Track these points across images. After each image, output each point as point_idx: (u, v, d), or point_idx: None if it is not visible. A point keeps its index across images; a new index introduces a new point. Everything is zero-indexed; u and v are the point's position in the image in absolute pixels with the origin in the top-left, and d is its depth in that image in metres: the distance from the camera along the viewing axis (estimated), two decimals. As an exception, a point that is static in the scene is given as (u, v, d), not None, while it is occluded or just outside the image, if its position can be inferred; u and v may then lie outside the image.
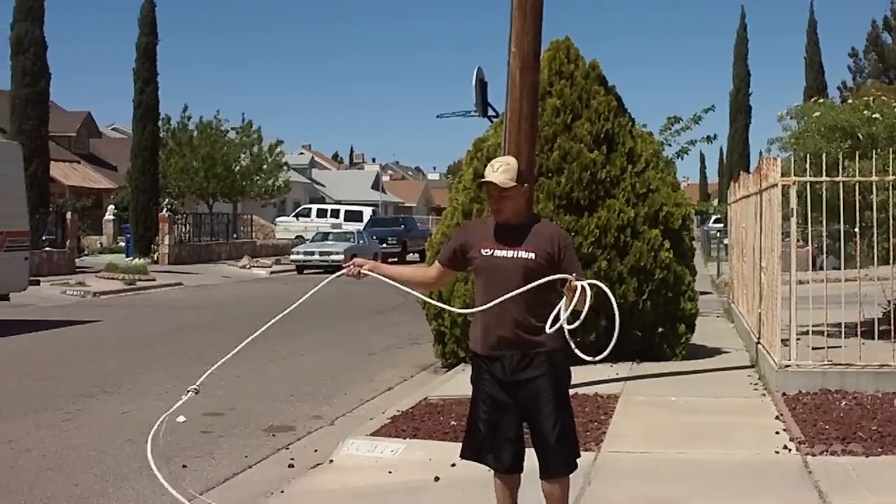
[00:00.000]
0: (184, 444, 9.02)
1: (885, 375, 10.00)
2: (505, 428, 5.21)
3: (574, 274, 5.02)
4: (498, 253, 5.16)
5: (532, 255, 5.12)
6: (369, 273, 5.45)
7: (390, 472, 7.67)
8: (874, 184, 10.74)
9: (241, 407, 10.83)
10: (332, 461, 8.13)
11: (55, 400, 11.13)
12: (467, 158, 13.63)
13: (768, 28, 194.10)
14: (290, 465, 8.16)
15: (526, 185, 5.34)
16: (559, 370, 5.26)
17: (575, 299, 4.93)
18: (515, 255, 5.12)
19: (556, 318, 4.97)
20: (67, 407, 10.73)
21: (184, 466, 8.21)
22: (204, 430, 9.65)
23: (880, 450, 7.66)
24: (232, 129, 51.67)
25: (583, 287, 4.92)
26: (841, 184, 10.69)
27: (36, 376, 12.90)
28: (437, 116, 38.28)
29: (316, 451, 8.61)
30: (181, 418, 10.01)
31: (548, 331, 4.99)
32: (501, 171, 5.20)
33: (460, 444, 5.54)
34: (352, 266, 5.49)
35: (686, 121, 21.76)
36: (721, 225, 44.98)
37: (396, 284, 5.52)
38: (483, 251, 5.20)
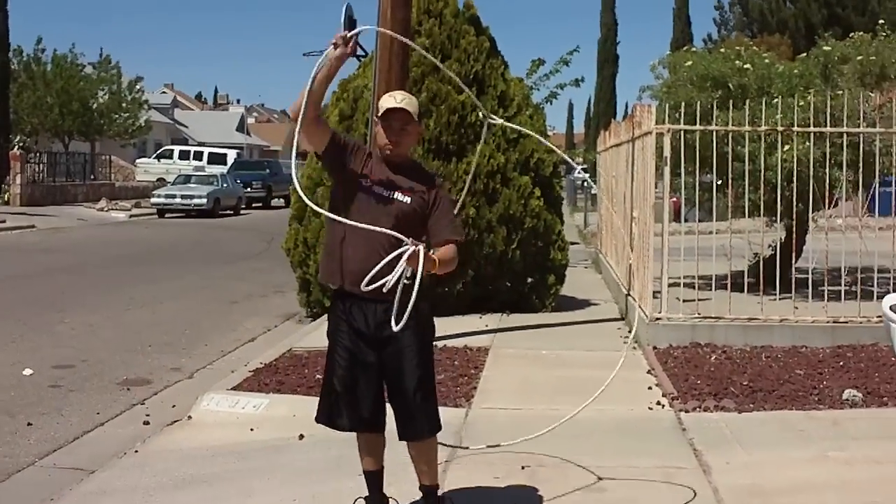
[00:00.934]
0: (30, 400, 8.50)
1: (754, 328, 10.01)
2: (363, 386, 4.87)
3: (425, 237, 4.71)
4: (376, 189, 4.80)
5: (408, 199, 4.81)
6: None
7: (252, 430, 7.30)
8: (746, 134, 10.69)
9: (93, 358, 10.26)
10: (190, 417, 7.71)
11: None
12: (333, 99, 13.13)
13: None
14: (146, 423, 7.71)
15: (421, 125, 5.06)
16: (424, 323, 4.94)
17: (420, 265, 4.48)
18: (391, 196, 4.79)
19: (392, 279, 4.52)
20: None
21: (29, 424, 7.69)
22: (52, 384, 9.11)
23: (752, 405, 7.61)
24: (90, 64, 49.79)
25: (418, 252, 4.48)
26: (714, 133, 10.61)
27: None
28: (304, 55, 37.15)
29: (174, 406, 8.19)
30: (27, 371, 9.51)
31: (382, 288, 4.52)
32: (406, 102, 4.86)
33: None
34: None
35: (553, 65, 21.60)
36: (587, 174, 45.42)
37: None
38: (362, 180, 4.81)
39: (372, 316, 4.79)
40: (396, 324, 4.55)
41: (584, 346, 10.11)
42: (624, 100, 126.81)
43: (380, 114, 4.87)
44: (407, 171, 4.88)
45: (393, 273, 4.50)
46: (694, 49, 14.66)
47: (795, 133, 10.65)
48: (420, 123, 4.99)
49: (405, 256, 4.47)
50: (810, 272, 10.63)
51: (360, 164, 4.85)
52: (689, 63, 12.78)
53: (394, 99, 4.88)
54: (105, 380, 9.33)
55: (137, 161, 57.86)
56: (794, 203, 11.29)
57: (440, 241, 4.83)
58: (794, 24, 37.81)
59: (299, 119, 4.69)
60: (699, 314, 10.22)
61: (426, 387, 4.89)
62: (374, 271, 4.49)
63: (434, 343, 5.19)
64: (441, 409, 5.12)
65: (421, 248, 4.49)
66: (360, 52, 15.88)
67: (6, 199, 36.10)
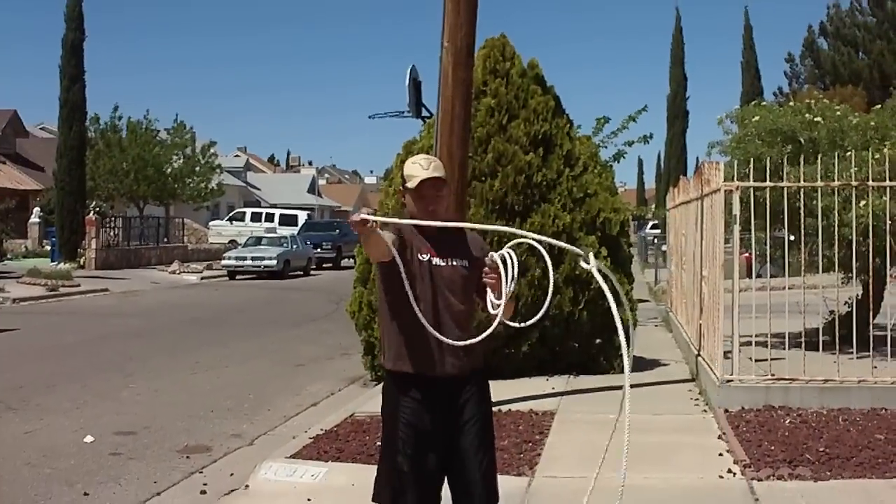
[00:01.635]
0: (89, 468, 8.40)
1: (830, 390, 9.62)
2: (430, 465, 4.62)
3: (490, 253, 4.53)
4: (435, 260, 4.60)
5: (465, 263, 4.65)
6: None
7: (309, 500, 7.11)
8: (819, 189, 10.36)
9: (155, 425, 10.18)
10: (247, 486, 7.56)
11: (-46, 418, 10.40)
12: (397, 162, 13.08)
13: (705, 30, 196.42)
14: (203, 492, 7.57)
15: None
16: (487, 394, 4.79)
17: (507, 275, 4.41)
18: (451, 263, 4.62)
19: (494, 305, 4.48)
20: (-34, 426, 10.02)
21: (85, 494, 7.59)
22: (113, 451, 9.02)
23: (828, 473, 7.24)
24: (164, 130, 50.70)
25: (501, 256, 4.43)
26: (785, 189, 10.31)
27: (-63, 391, 12.11)
28: (370, 117, 37.56)
29: (232, 474, 8.04)
30: (89, 438, 9.44)
31: (491, 311, 4.47)
32: (434, 167, 4.68)
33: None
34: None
35: (621, 122, 21.45)
36: (658, 231, 45.02)
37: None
38: (421, 255, 4.59)
39: (446, 387, 4.62)
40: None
41: (653, 410, 9.77)
42: (695, 154, 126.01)
43: (411, 185, 4.64)
44: (454, 235, 4.69)
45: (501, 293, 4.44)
46: (763, 103, 14.40)
47: (871, 188, 10.32)
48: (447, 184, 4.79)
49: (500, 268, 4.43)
50: (888, 329, 10.23)
51: (416, 245, 4.61)
52: (757, 118, 12.51)
53: (420, 167, 4.66)
54: (165, 447, 9.23)
55: (210, 224, 58.62)
56: (872, 258, 10.90)
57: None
58: (868, 74, 37.28)
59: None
60: (772, 375, 9.86)
61: (489, 462, 4.72)
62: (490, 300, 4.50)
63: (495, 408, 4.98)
64: (503, 478, 4.94)
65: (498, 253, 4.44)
66: (424, 113, 15.80)
67: (81, 263, 36.65)
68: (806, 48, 42.00)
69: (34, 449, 9.04)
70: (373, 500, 4.81)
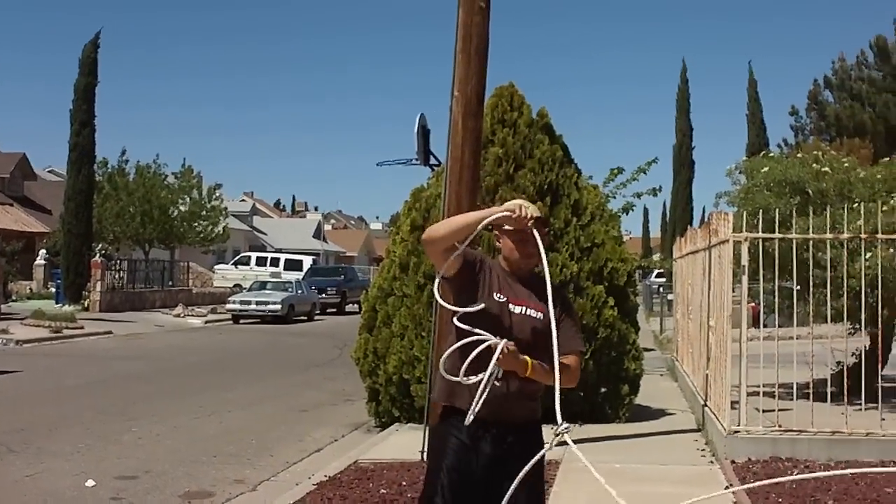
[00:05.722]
0: (89, 513, 8.34)
1: (838, 442, 9.55)
2: None
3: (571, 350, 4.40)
4: (511, 306, 4.45)
5: (541, 315, 4.42)
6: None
7: (312, 548, 7.05)
8: (827, 241, 10.35)
9: (157, 469, 10.11)
10: (249, 533, 7.48)
11: (-44, 460, 10.33)
12: (405, 209, 13.09)
13: (710, 80, 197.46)
14: (203, 539, 7.50)
15: None
16: (541, 445, 4.49)
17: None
18: (524, 312, 4.44)
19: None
20: (-33, 468, 9.95)
21: (86, 539, 7.52)
22: (114, 496, 8.96)
23: (838, 526, 7.17)
24: (171, 173, 50.82)
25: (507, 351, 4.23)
26: (794, 241, 10.29)
27: (-61, 433, 12.04)
28: (378, 164, 37.54)
29: (234, 521, 7.98)
30: (90, 482, 9.38)
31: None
32: (533, 209, 4.51)
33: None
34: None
35: (631, 173, 21.50)
36: (663, 279, 44.99)
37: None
38: (497, 296, 4.45)
39: (505, 436, 4.45)
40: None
41: (659, 460, 9.71)
42: (701, 204, 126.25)
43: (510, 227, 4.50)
44: (533, 284, 4.50)
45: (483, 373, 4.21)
46: (771, 154, 14.41)
47: (880, 240, 10.29)
48: None
49: (496, 355, 4.19)
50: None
51: (496, 283, 4.49)
52: (766, 169, 12.53)
53: (526, 208, 4.46)
54: (167, 492, 9.15)
55: (215, 267, 58.63)
56: (880, 310, 10.86)
57: (565, 352, 4.38)
58: (872, 127, 37.29)
59: (434, 244, 4.46)
60: (780, 426, 9.79)
61: None
62: (465, 365, 4.22)
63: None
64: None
65: (509, 345, 4.21)
66: (432, 160, 15.80)
67: (86, 305, 36.61)
68: (811, 101, 42.07)
69: (35, 493, 8.98)
70: None
